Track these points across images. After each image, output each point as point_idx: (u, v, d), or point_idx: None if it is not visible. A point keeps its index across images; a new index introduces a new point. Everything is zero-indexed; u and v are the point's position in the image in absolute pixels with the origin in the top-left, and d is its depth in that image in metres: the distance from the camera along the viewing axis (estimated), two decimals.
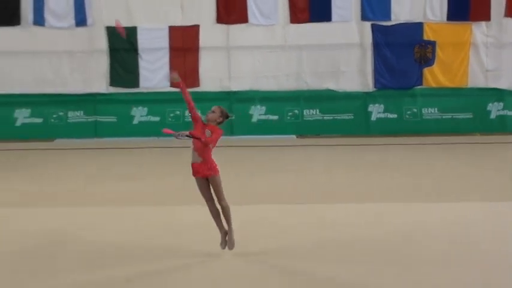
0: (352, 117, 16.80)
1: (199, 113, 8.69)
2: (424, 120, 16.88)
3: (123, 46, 15.97)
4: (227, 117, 8.81)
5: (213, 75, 16.24)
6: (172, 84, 8.80)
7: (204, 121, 8.64)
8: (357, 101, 16.81)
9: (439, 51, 16.61)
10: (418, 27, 16.45)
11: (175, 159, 13.77)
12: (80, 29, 15.78)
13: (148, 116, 16.26)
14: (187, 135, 8.51)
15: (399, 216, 10.42)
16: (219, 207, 8.69)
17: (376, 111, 16.94)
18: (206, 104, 14.31)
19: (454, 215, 10.22)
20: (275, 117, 16.57)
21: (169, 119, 16.19)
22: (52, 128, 16.15)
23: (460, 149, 15.45)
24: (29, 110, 16.10)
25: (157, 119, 16.16)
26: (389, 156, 14.83)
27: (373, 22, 16.45)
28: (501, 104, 16.36)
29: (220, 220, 8.84)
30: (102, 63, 16.10)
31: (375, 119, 16.87)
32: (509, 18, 16.19)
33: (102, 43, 15.92)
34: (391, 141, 16.25)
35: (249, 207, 10.61)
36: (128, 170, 13.49)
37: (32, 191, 12.11)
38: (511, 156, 14.57)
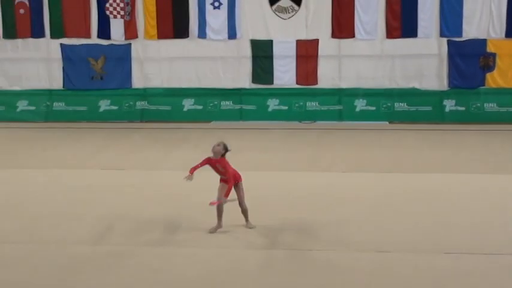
0: (431, 109, 18.61)
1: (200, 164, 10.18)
2: (485, 112, 18.56)
3: (262, 54, 18.35)
4: (227, 150, 10.22)
5: (327, 75, 18.44)
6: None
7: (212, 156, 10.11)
8: (435, 96, 18.56)
9: (498, 61, 18.38)
10: (482, 42, 18.24)
11: (300, 138, 16.67)
12: (231, 41, 18.38)
13: (280, 106, 18.62)
14: (228, 200, 10.00)
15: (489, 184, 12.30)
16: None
17: (449, 105, 18.71)
18: (322, 97, 18.49)
19: None
20: (373, 108, 18.48)
21: (295, 108, 18.44)
22: (209, 113, 18.72)
23: None
24: (193, 100, 18.72)
25: (286, 107, 18.51)
26: (460, 137, 16.89)
27: (448, 38, 18.34)
28: None
29: (221, 217, 10.23)
30: (247, 66, 18.53)
31: (448, 111, 18.66)
32: None
33: (247, 51, 18.39)
34: (460, 128, 18.14)
35: (359, 174, 13.31)
36: (265, 144, 16.16)
37: (196, 158, 14.00)
38: None
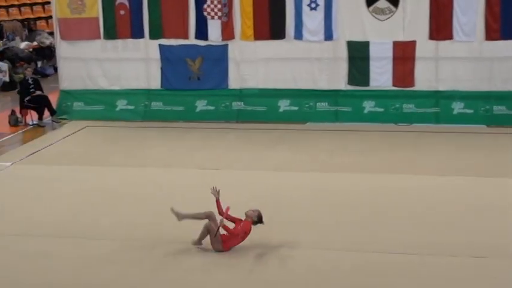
0: None
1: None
2: None
3: (358, 55, 18.35)
4: (260, 221, 10.53)
5: (424, 77, 18.30)
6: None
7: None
8: None
9: None
10: None
11: (396, 140, 16.80)
12: (328, 42, 18.39)
13: (375, 108, 18.52)
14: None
15: None
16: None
17: None
18: (419, 100, 18.48)
19: None
20: (471, 111, 18.14)
21: (391, 110, 18.39)
22: (304, 114, 18.70)
23: None
24: (289, 101, 18.84)
25: (382, 110, 18.44)
26: None
27: None
28: None
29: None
30: (343, 68, 18.51)
31: None
32: None
33: (343, 52, 18.39)
34: None
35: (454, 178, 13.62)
36: (360, 146, 16.31)
37: (290, 159, 15.41)
38: None
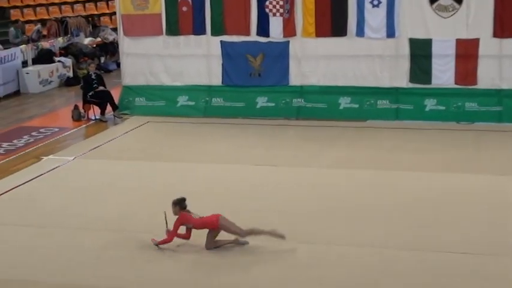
0: None
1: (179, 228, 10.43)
2: None
3: (420, 53, 18.29)
4: (179, 202, 10.51)
5: (487, 76, 18.19)
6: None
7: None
8: None
9: None
10: None
11: (457, 139, 16.71)
12: (389, 40, 18.41)
13: (437, 106, 18.43)
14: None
15: None
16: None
17: None
18: (481, 98, 18.30)
19: None
20: None
21: (453, 108, 18.30)
22: (365, 112, 18.69)
23: None
24: (349, 98, 18.89)
25: (443, 108, 18.33)
26: None
27: None
28: None
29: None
30: (404, 65, 18.49)
31: None
32: None
33: (405, 50, 18.39)
34: None
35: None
36: (420, 145, 16.23)
37: (349, 156, 15.48)
38: None
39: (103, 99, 19.95)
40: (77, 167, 15.55)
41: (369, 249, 10.76)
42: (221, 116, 19.52)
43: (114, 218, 12.16)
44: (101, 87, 20.16)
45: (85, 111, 20.21)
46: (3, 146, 17.38)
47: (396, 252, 10.64)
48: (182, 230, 10.76)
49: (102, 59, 28.88)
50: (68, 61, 26.54)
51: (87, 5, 32.90)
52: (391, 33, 18.70)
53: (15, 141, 17.88)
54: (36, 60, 25.60)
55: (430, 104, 18.72)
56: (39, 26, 28.80)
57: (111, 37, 29.63)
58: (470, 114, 18.39)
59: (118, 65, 24.66)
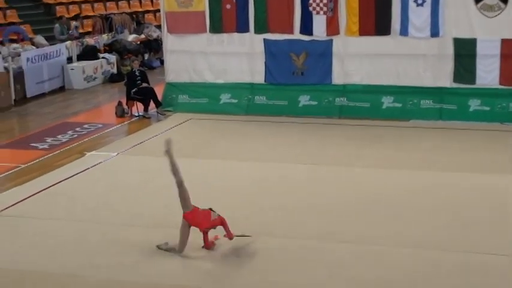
0: None
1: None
2: None
3: (465, 53, 18.25)
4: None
5: None
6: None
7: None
8: None
9: None
10: None
11: (501, 140, 16.68)
12: (433, 39, 18.34)
13: (482, 106, 18.36)
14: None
15: None
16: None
17: None
18: None
19: None
20: None
21: (497, 109, 18.22)
22: (408, 111, 18.58)
23: None
24: (392, 97, 18.87)
25: (488, 108, 18.30)
26: None
27: None
28: None
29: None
30: (448, 65, 18.42)
31: None
32: None
33: (449, 50, 18.31)
34: None
35: None
36: (464, 145, 16.26)
37: (392, 156, 15.50)
38: None
39: (146, 96, 20.17)
40: (119, 163, 15.75)
41: (411, 250, 10.79)
42: (263, 114, 19.62)
43: (157, 214, 12.32)
44: (145, 84, 20.38)
45: (128, 108, 20.45)
46: (47, 141, 17.66)
47: (438, 253, 10.66)
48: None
49: (146, 56, 29.14)
50: (112, 58, 26.85)
51: (131, 2, 33.24)
52: (435, 32, 18.64)
53: (59, 136, 18.17)
54: (80, 57, 25.95)
55: (474, 104, 18.64)
56: (76, 22, 29.11)
57: (155, 34, 29.88)
58: None
59: (161, 62, 24.91)
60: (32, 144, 17.47)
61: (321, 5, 19.31)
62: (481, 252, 10.68)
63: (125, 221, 12.14)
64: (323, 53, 19.65)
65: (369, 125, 18.36)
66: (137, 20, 31.50)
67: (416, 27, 18.77)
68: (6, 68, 22.31)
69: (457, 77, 18.71)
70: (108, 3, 32.28)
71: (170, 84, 21.07)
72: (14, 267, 10.54)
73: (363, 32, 19.22)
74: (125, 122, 19.85)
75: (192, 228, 10.58)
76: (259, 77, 20.23)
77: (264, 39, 19.99)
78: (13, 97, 22.24)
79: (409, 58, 18.90)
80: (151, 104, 20.31)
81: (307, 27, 19.58)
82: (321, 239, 11.26)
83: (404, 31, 18.84)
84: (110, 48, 27.98)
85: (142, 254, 10.78)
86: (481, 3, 18.33)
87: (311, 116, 19.33)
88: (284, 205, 12.53)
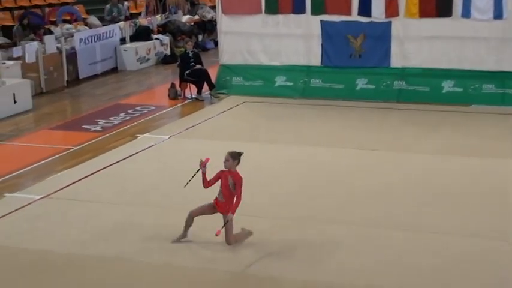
0: None
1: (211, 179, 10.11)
2: None
3: None
4: (239, 155, 10.05)
5: None
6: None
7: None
8: None
9: None
10: None
11: None
12: (497, 22, 18.05)
13: None
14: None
15: None
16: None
17: None
18: None
19: None
20: None
21: None
22: (469, 96, 18.46)
23: None
24: (453, 81, 18.68)
25: None
26: None
27: None
28: None
29: (188, 228, 10.27)
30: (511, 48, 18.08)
31: None
32: None
33: None
34: None
35: None
36: None
37: (452, 142, 15.34)
38: None
39: (200, 78, 20.13)
40: (171, 146, 15.76)
41: (476, 240, 10.65)
42: (319, 98, 19.49)
43: (210, 198, 12.20)
44: (198, 66, 20.35)
45: (182, 90, 20.46)
46: (99, 122, 17.75)
47: (500, 243, 10.47)
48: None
49: (200, 37, 29.14)
50: (166, 39, 26.89)
51: None
52: (498, 14, 18.30)
53: (111, 118, 18.24)
54: (134, 38, 26.00)
55: None
56: (128, 3, 29.17)
57: (209, 15, 29.85)
58: None
59: (216, 43, 24.85)
60: (84, 126, 17.56)
61: None
62: None
63: (176, 205, 12.07)
64: (381, 35, 19.40)
65: (428, 109, 18.12)
66: (191, 1, 31.49)
67: (479, 9, 18.44)
68: (59, 49, 22.42)
69: None
70: None
71: (224, 66, 21.03)
72: (65, 251, 10.59)
73: (423, 13, 18.91)
74: (178, 105, 19.85)
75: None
76: (315, 60, 20.07)
77: (321, 21, 19.79)
78: (65, 78, 22.38)
79: (471, 41, 18.61)
80: (205, 86, 20.26)
81: (365, 8, 19.36)
82: (377, 226, 11.16)
83: (466, 13, 18.52)
84: (163, 29, 28.04)
85: (194, 239, 10.72)
86: None
87: (368, 100, 19.18)
88: (341, 191, 12.51)
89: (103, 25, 25.91)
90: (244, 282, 9.73)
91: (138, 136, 16.59)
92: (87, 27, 25.56)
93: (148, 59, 25.74)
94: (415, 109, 18.29)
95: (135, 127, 17.46)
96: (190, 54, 20.63)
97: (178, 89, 20.49)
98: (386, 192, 12.60)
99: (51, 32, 23.89)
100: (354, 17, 19.56)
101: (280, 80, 20.32)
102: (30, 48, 20.96)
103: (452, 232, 10.91)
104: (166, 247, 10.63)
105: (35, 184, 13.58)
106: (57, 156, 15.32)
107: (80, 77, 23.03)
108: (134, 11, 29.97)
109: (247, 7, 20.34)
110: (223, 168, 10.06)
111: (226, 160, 10.02)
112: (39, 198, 12.73)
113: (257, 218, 11.28)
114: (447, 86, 18.96)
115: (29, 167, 14.53)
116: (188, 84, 20.44)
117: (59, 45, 22.55)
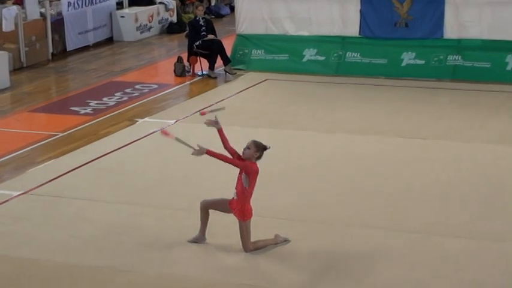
0: None
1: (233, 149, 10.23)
2: None
3: None
4: (264, 149, 10.14)
5: None
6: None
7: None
8: None
9: None
10: None
11: None
12: None
13: None
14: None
15: None
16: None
17: None
18: None
19: None
20: None
21: None
22: None
23: None
24: None
25: None
26: None
27: None
28: None
29: (206, 225, 10.43)
30: None
31: None
32: None
33: None
34: None
35: None
36: None
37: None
38: None
39: (212, 51, 20.07)
40: (178, 132, 15.63)
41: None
42: (357, 75, 19.42)
43: (214, 191, 12.13)
44: (211, 36, 20.28)
45: (190, 65, 20.41)
46: (91, 104, 17.75)
47: None
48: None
49: (213, 1, 29.06)
50: (172, 3, 26.83)
51: None
52: None
53: (105, 99, 18.23)
54: (133, 2, 25.92)
55: None
56: None
57: None
58: None
59: (232, 8, 24.86)
60: (72, 108, 17.59)
61: None
62: None
63: (181, 204, 12.06)
64: (433, 0, 19.30)
65: (489, 90, 18.02)
66: None
67: None
68: (42, 15, 22.36)
69: None
70: None
71: (242, 37, 20.98)
72: (49, 259, 10.53)
73: None
74: (186, 83, 19.85)
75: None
76: (352, 29, 20.05)
77: None
78: (50, 50, 22.38)
79: None
80: (219, 61, 20.19)
81: None
82: (427, 233, 11.05)
83: None
84: None
85: (202, 246, 10.69)
86: None
87: (416, 78, 19.08)
88: (383, 189, 12.41)
89: None
90: None
91: (137, 121, 16.59)
92: None
93: (151, 28, 25.74)
94: (474, 89, 18.23)
95: (133, 110, 17.44)
96: (201, 22, 20.57)
97: (187, 63, 20.43)
98: (443, 191, 12.48)
99: None
100: None
101: (309, 54, 20.27)
102: (8, 13, 20.93)
103: None
104: (169, 255, 10.56)
105: (13, 178, 13.53)
106: (39, 144, 15.33)
107: (68, 49, 23.04)
108: None
109: None
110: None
111: (248, 147, 10.09)
112: (18, 195, 12.67)
113: (281, 220, 11.24)
114: None
115: (6, 157, 14.53)
116: (198, 58, 20.36)
117: (42, 9, 22.52)
